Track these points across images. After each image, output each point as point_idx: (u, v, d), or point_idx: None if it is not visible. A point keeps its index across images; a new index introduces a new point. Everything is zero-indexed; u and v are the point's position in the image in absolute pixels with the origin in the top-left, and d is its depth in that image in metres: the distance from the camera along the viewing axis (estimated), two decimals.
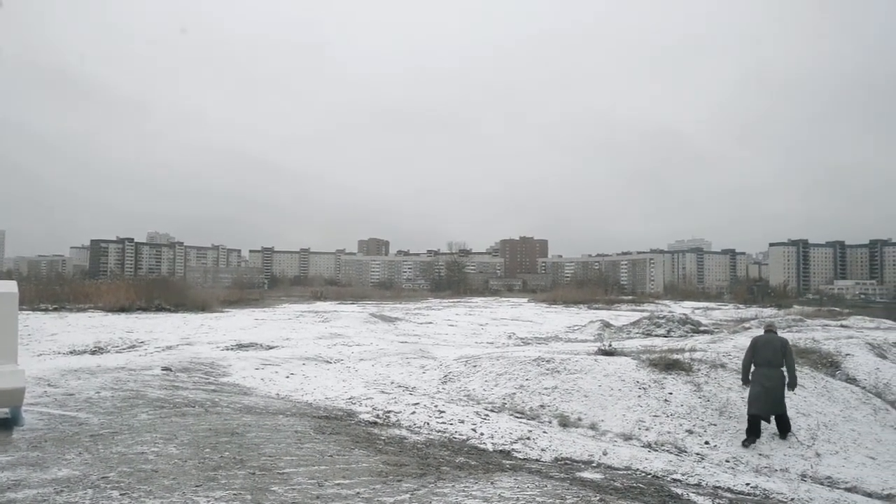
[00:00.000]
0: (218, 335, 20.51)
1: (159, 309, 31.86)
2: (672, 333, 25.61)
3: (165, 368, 12.07)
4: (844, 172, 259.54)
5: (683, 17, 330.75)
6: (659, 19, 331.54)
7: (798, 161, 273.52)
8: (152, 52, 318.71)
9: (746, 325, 26.40)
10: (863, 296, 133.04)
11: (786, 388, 8.54)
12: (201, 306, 34.87)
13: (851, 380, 11.78)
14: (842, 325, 27.15)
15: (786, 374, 8.59)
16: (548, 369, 11.12)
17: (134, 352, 15.78)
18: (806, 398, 9.76)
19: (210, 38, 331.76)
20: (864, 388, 11.28)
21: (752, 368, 8.76)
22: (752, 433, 8.51)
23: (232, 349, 16.55)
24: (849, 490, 7.15)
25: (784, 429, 8.60)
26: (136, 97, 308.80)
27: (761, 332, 9.74)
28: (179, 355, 14.45)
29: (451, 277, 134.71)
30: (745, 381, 8.91)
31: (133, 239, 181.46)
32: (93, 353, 15.55)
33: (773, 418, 8.69)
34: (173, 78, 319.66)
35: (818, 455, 8.11)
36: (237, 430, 7.23)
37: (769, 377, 8.49)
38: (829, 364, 12.54)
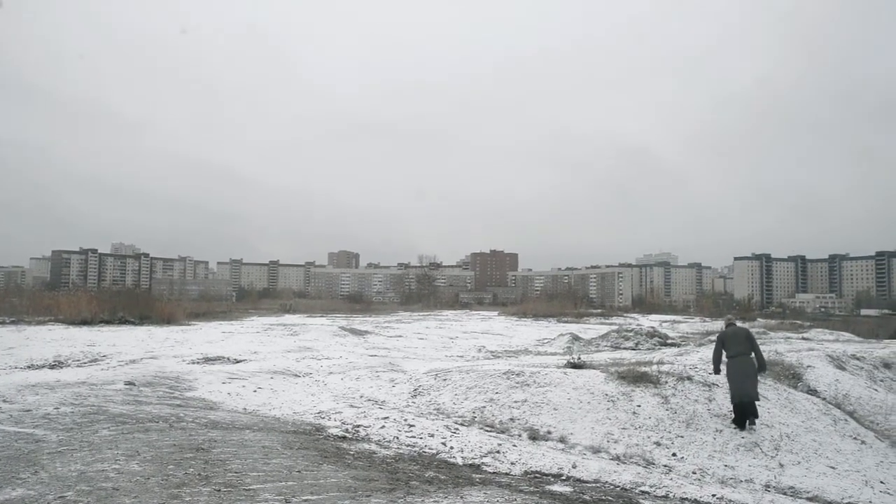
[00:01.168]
0: (184, 349, 20.10)
1: (123, 322, 31.11)
2: (640, 346, 25.92)
3: (129, 383, 11.78)
4: (804, 189, 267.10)
5: (652, 39, 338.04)
6: (629, 40, 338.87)
7: (760, 178, 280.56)
8: (116, 58, 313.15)
9: (712, 337, 26.83)
10: (823, 309, 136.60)
11: (756, 372, 9.51)
12: (167, 319, 34.18)
13: (812, 391, 12.05)
14: (803, 338, 27.85)
15: (755, 360, 9.52)
16: (517, 382, 11.15)
17: (96, 366, 15.36)
18: (769, 409, 9.95)
19: (177, 45, 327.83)
20: (824, 399, 11.55)
21: (725, 360, 9.69)
22: (749, 415, 9.35)
23: (198, 363, 16.23)
24: (811, 500, 7.29)
25: (754, 414, 9.34)
26: (98, 105, 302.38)
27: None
28: (143, 369, 14.12)
29: (421, 290, 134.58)
30: (717, 371, 9.91)
31: (97, 250, 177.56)
32: (52, 367, 15.09)
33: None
34: (138, 85, 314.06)
35: (781, 465, 8.26)
36: (202, 445, 7.08)
37: (744, 364, 9.42)
38: (791, 376, 12.81)
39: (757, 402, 9.43)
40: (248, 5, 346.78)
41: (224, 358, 17.49)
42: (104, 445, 6.78)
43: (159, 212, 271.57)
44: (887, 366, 14.47)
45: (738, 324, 11.20)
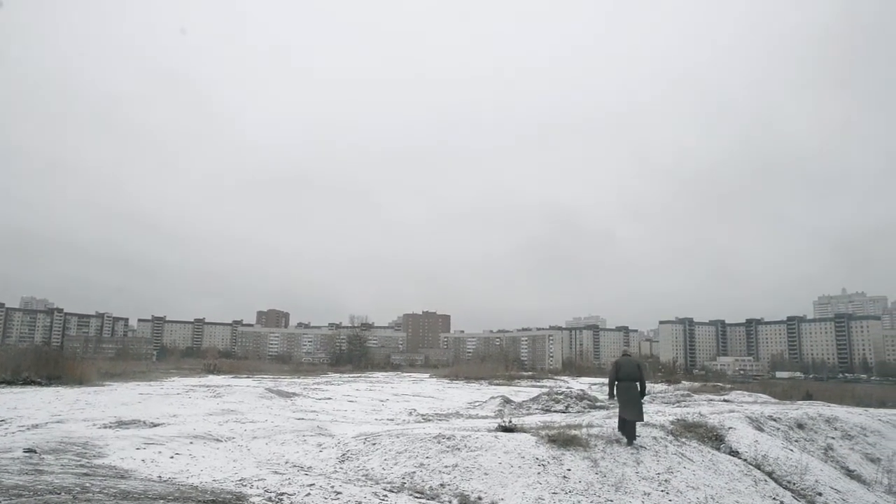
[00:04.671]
0: (96, 411, 18.84)
1: (28, 382, 28.90)
2: (570, 409, 26.12)
3: (29, 450, 10.88)
4: (723, 255, 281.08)
5: (576, 97, 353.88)
6: (555, 96, 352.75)
7: (683, 243, 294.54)
8: (24, 95, 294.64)
9: None
10: (741, 371, 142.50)
11: (640, 396, 11.26)
12: (79, 379, 32.00)
13: (734, 452, 12.39)
14: (724, 400, 28.83)
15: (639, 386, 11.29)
16: (448, 447, 10.98)
17: None
18: (695, 472, 10.15)
19: (94, 86, 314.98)
20: (745, 459, 11.88)
21: (617, 383, 11.34)
22: (629, 435, 11.20)
23: (111, 427, 15.23)
24: None
25: (632, 436, 11.18)
26: (5, 144, 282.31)
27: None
28: (48, 434, 13.11)
29: (352, 351, 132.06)
30: (612, 395, 11.54)
31: (3, 304, 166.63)
32: None
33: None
34: (49, 125, 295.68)
35: None
36: None
37: (630, 388, 11.22)
38: (714, 438, 13.15)
39: (639, 423, 11.44)
40: (171, 50, 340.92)
41: (140, 421, 16.50)
42: None
43: (76, 264, 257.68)
44: (801, 426, 15.12)
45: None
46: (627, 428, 11.23)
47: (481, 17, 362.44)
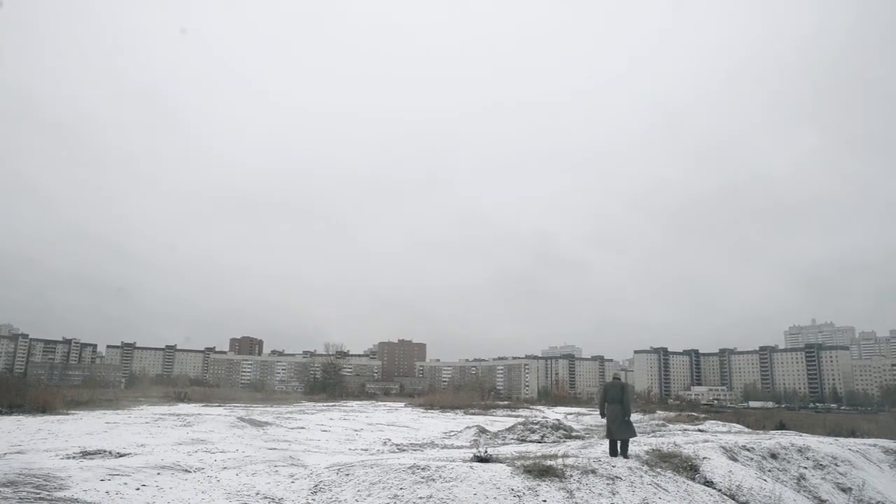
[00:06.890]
0: (59, 441, 18.28)
1: None
2: (546, 439, 26.03)
3: None
4: (697, 285, 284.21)
5: (557, 128, 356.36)
6: (536, 128, 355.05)
7: (657, 273, 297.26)
8: None
9: None
10: (716, 401, 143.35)
11: (624, 417, 12.45)
12: (42, 408, 31.09)
13: (709, 482, 12.39)
14: (699, 430, 28.98)
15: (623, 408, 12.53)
16: (423, 477, 10.84)
17: None
18: (670, 502, 10.12)
19: (61, 102, 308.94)
20: (719, 490, 11.89)
21: (606, 405, 12.70)
22: (613, 450, 12.75)
23: (74, 457, 14.76)
24: None
25: (624, 452, 12.63)
26: None
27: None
28: (6, 466, 12.65)
29: (326, 380, 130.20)
30: (602, 414, 12.96)
31: None
32: None
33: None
34: (9, 140, 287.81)
35: None
36: None
37: (614, 411, 12.51)
38: (688, 468, 13.15)
39: (633, 439, 13.27)
40: (143, 71, 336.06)
41: (105, 451, 16.04)
42: None
43: (42, 288, 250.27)
44: (774, 456, 15.20)
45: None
46: (615, 445, 12.73)
47: (468, 47, 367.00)
